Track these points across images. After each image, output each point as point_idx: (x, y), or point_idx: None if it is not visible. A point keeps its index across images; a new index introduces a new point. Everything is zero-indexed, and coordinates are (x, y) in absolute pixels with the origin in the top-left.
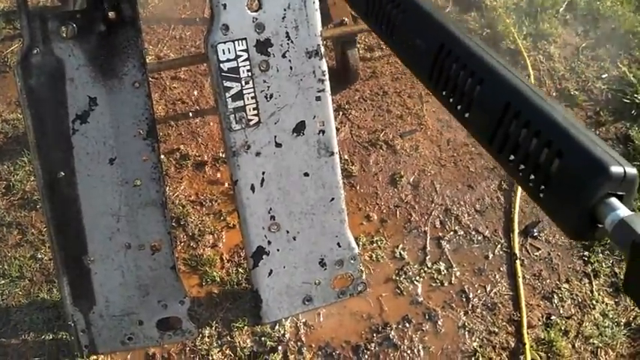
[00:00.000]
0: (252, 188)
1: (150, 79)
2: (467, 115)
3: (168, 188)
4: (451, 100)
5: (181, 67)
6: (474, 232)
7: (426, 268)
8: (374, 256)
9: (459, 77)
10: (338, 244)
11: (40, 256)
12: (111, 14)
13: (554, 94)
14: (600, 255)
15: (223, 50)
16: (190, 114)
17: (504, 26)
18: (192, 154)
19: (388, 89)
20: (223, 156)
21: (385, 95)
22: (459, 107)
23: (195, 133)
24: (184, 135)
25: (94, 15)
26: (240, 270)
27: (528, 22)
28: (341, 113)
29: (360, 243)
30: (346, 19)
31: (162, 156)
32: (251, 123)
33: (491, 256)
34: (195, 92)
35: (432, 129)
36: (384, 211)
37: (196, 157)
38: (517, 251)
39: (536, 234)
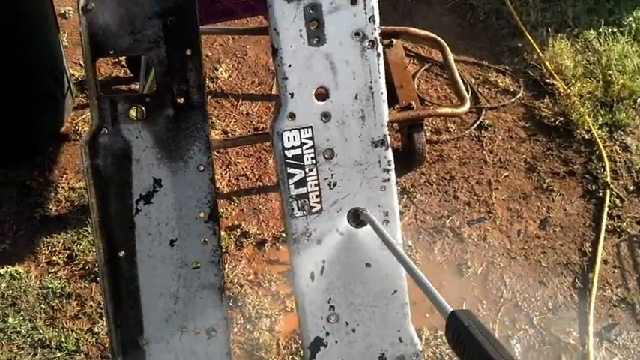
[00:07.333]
0: (312, 276)
1: (215, 153)
2: None
3: (227, 266)
4: None
5: (246, 144)
6: (545, 332)
7: None
8: (437, 352)
9: None
10: (400, 338)
11: (97, 330)
12: (179, 99)
13: (631, 187)
14: None
15: (288, 138)
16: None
17: (578, 115)
18: (252, 231)
19: (455, 174)
20: (284, 235)
21: (452, 180)
22: None
23: (256, 210)
24: (246, 212)
25: (163, 99)
26: (296, 359)
27: (604, 111)
28: (405, 197)
29: (423, 337)
30: (413, 103)
31: (222, 232)
32: (313, 210)
33: (564, 359)
34: (259, 168)
35: (501, 218)
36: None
37: (257, 235)
38: (592, 356)
39: (612, 338)
